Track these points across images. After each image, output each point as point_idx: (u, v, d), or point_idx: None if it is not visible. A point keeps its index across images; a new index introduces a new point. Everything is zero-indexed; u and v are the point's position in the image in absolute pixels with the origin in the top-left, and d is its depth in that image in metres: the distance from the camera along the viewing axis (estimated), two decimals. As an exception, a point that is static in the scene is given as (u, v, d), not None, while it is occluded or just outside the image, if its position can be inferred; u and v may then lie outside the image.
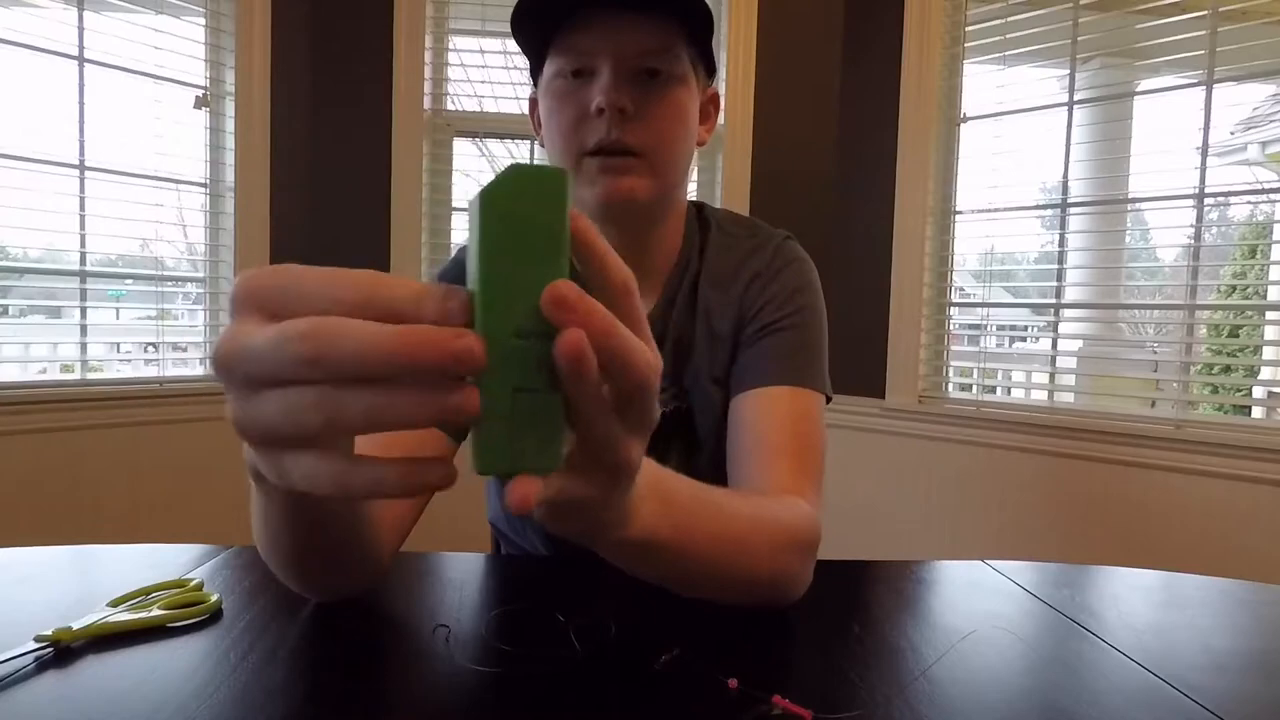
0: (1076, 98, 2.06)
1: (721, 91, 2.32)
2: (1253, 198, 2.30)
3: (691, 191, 1.81)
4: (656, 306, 0.79)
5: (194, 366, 2.25)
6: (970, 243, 2.28)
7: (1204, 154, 1.88)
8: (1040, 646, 0.56)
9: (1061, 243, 2.13)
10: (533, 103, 0.80)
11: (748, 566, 0.55)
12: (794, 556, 0.59)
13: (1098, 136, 2.12)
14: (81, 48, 1.94)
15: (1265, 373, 2.42)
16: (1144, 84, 2.15)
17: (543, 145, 0.78)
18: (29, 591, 0.60)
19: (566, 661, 0.50)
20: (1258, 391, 2.33)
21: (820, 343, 0.78)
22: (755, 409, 0.71)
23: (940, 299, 2.30)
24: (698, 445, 0.81)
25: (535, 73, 0.76)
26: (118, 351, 2.25)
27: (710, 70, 0.77)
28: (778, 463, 0.67)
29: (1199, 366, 2.25)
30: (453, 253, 2.37)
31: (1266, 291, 2.39)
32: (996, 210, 2.21)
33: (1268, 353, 2.77)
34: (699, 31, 0.70)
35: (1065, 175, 2.09)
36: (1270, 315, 2.17)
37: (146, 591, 0.58)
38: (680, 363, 0.80)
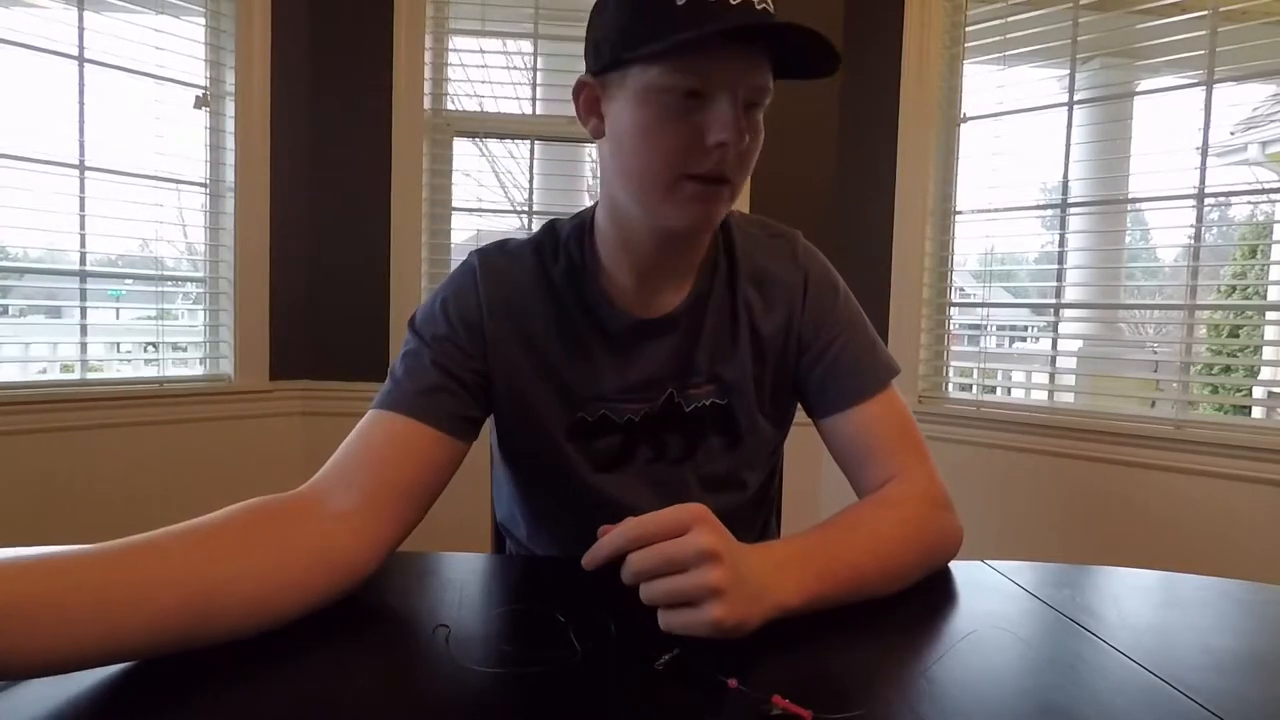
0: (1076, 98, 2.05)
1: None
2: (1253, 198, 2.31)
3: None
4: (685, 301, 0.80)
5: (194, 366, 2.25)
6: (970, 243, 2.28)
7: (1204, 154, 1.87)
8: (1040, 646, 0.56)
9: (1061, 243, 2.13)
10: (587, 88, 0.73)
11: (904, 564, 0.68)
12: (932, 531, 0.72)
13: (1098, 136, 2.12)
14: (81, 48, 1.94)
15: (1265, 373, 2.42)
16: (1144, 84, 2.15)
17: (595, 136, 0.74)
18: (29, 591, 0.60)
19: (566, 661, 0.50)
20: (1258, 391, 2.34)
21: (871, 335, 0.85)
22: (855, 426, 0.79)
23: (940, 299, 2.30)
24: (738, 438, 0.83)
25: (606, 61, 0.69)
26: (118, 351, 2.25)
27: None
28: (894, 458, 0.78)
29: (1199, 366, 2.25)
30: (453, 253, 2.38)
31: (1266, 291, 2.39)
32: (996, 210, 2.21)
33: (1268, 353, 2.77)
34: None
35: (1065, 175, 2.09)
36: (1270, 315, 2.18)
37: (146, 591, 0.58)
38: (720, 357, 0.81)
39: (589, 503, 0.80)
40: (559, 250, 0.81)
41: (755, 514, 0.95)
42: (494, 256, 0.81)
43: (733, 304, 0.81)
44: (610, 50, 0.68)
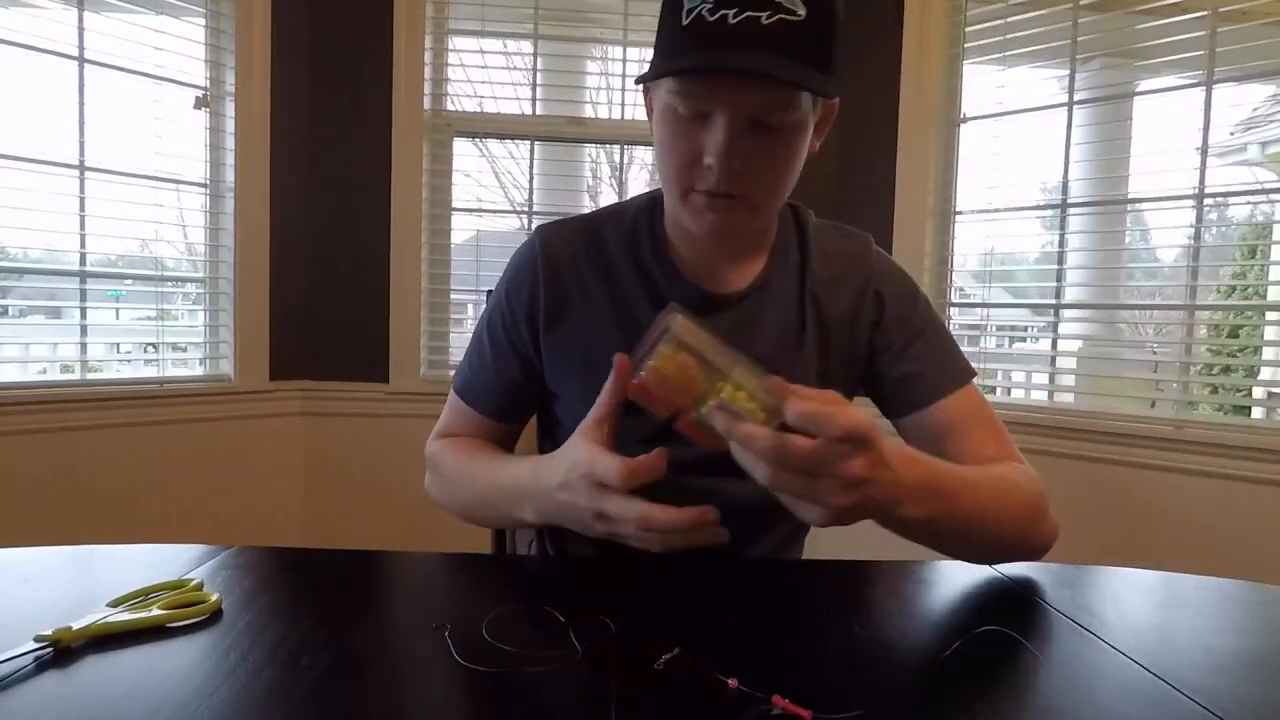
0: (1076, 98, 2.05)
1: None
2: (1253, 198, 2.30)
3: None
4: (751, 283, 0.81)
5: (193, 367, 2.25)
6: (970, 243, 2.28)
7: (1204, 154, 1.87)
8: (1040, 646, 0.56)
9: (1061, 243, 2.13)
10: (645, 92, 0.77)
11: (997, 533, 0.71)
12: (1035, 523, 0.75)
13: (1098, 137, 2.12)
14: (81, 48, 1.94)
15: (1265, 373, 2.42)
16: (1144, 84, 2.15)
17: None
18: (29, 591, 0.60)
19: (566, 661, 0.50)
20: (1258, 392, 2.33)
21: (949, 334, 0.87)
22: (948, 415, 0.80)
23: (940, 299, 2.30)
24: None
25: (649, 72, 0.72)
26: (118, 352, 2.25)
27: (838, 87, 0.72)
28: (986, 446, 0.78)
29: (1199, 367, 2.24)
30: (452, 253, 2.38)
31: (1266, 291, 2.38)
32: (996, 210, 2.21)
33: (1268, 353, 2.76)
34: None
35: (1065, 175, 2.09)
36: (1270, 315, 2.17)
37: (146, 592, 0.58)
38: (782, 348, 0.81)
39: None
40: (623, 219, 0.82)
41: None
42: (555, 228, 0.83)
43: (800, 296, 0.82)
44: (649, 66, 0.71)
